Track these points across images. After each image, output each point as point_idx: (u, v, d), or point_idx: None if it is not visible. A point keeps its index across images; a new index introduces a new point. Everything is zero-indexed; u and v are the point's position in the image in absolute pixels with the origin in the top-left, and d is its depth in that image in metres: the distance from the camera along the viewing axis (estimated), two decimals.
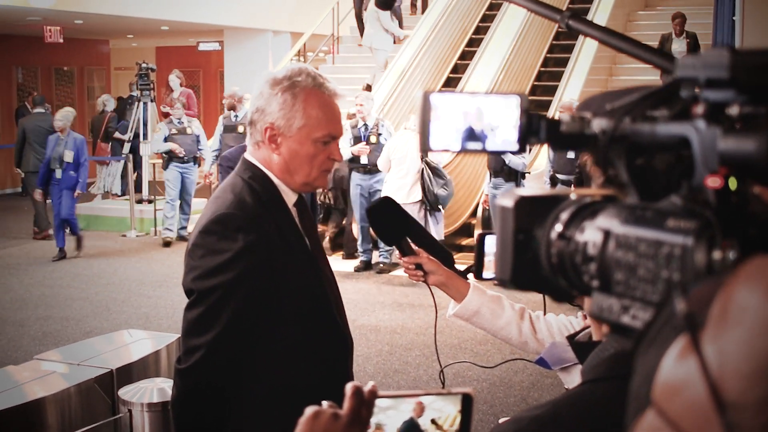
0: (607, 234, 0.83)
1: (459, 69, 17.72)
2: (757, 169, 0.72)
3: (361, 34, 18.27)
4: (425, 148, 0.89)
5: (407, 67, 16.83)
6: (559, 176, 11.47)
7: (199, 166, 14.63)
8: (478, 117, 0.89)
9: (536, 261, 0.92)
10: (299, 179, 2.80)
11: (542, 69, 17.98)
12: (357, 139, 12.01)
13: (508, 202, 0.93)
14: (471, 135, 0.89)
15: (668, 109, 0.83)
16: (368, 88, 15.44)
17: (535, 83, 17.54)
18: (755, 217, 0.74)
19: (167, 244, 14.11)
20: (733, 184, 0.75)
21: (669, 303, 0.71)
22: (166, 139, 14.25)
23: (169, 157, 14.29)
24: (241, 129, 13.14)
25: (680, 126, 0.79)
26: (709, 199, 0.76)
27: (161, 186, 14.74)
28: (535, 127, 0.89)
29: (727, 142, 0.75)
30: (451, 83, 17.43)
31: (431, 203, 11.52)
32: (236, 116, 13.67)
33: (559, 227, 0.90)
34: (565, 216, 0.90)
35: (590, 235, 0.85)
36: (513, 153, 0.94)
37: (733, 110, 0.76)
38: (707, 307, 0.68)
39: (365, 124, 12.05)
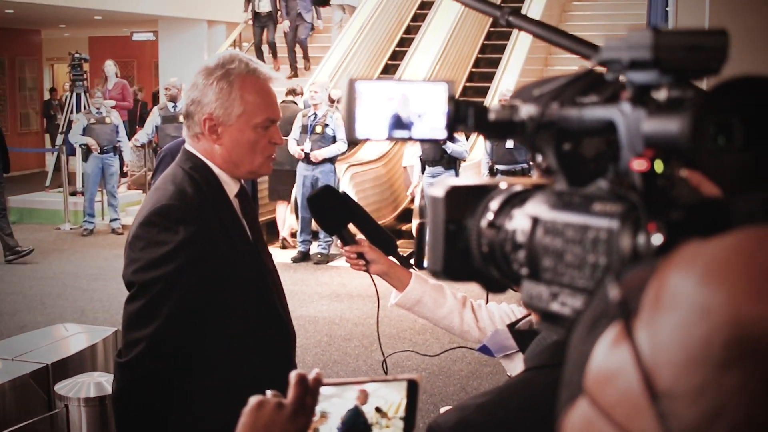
0: (535, 221, 0.82)
1: (390, 69, 17.77)
2: (680, 150, 0.72)
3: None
4: (350, 137, 0.88)
5: (342, 60, 16.83)
6: (499, 167, 11.52)
7: (121, 156, 14.44)
8: (404, 104, 0.88)
9: (468, 251, 0.91)
10: (244, 168, 2.79)
11: (476, 67, 18.05)
12: (304, 128, 11.97)
13: (439, 192, 0.92)
14: (398, 122, 0.88)
15: (598, 95, 0.83)
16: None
17: (473, 70, 17.64)
18: (682, 200, 0.74)
19: (87, 234, 14.10)
20: (659, 166, 0.74)
21: (600, 289, 0.71)
22: (84, 131, 14.06)
23: (88, 149, 14.13)
24: (182, 119, 13.00)
25: (606, 109, 0.78)
26: (635, 182, 0.75)
27: None
28: (462, 114, 0.88)
29: (651, 123, 0.74)
30: (389, 72, 17.50)
31: None
32: (175, 106, 13.53)
33: (489, 216, 0.89)
34: (495, 205, 0.89)
35: (519, 222, 0.85)
36: (442, 141, 0.93)
37: (661, 95, 0.76)
38: (641, 293, 0.67)
39: (315, 113, 12.01)
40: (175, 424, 2.75)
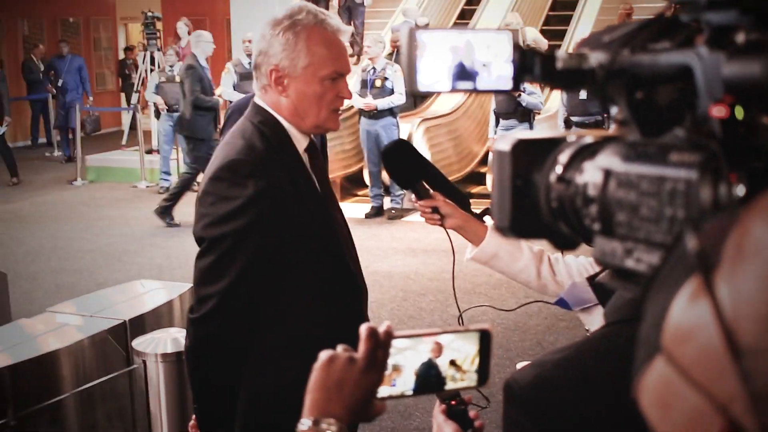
0: (607, 173, 0.78)
1: (466, 15, 17.64)
2: (764, 95, 0.67)
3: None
4: (412, 89, 0.84)
5: None
6: (574, 119, 11.28)
7: None
8: (468, 53, 0.84)
9: (536, 207, 0.87)
10: (309, 121, 2.75)
11: (550, 13, 17.86)
12: (364, 83, 11.88)
13: (505, 147, 0.88)
14: (462, 72, 0.84)
15: (670, 40, 0.78)
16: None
17: (544, 27, 17.46)
18: (764, 148, 0.69)
19: (163, 191, 14.15)
20: (739, 113, 0.70)
21: (679, 242, 0.67)
22: (156, 89, 14.12)
23: (158, 109, 14.21)
24: None
25: (682, 54, 0.74)
26: (714, 129, 0.71)
27: None
28: (529, 64, 0.84)
29: (731, 67, 0.69)
30: None
31: None
32: (250, 63, 13.47)
33: (558, 170, 0.85)
34: (564, 158, 0.85)
35: (590, 175, 0.81)
36: (517, 93, 0.89)
37: (740, 38, 0.71)
38: (721, 244, 0.63)
39: (373, 68, 11.92)
40: (247, 379, 2.76)
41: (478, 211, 2.81)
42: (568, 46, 14.99)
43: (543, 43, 14.94)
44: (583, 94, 11.16)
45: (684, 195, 0.70)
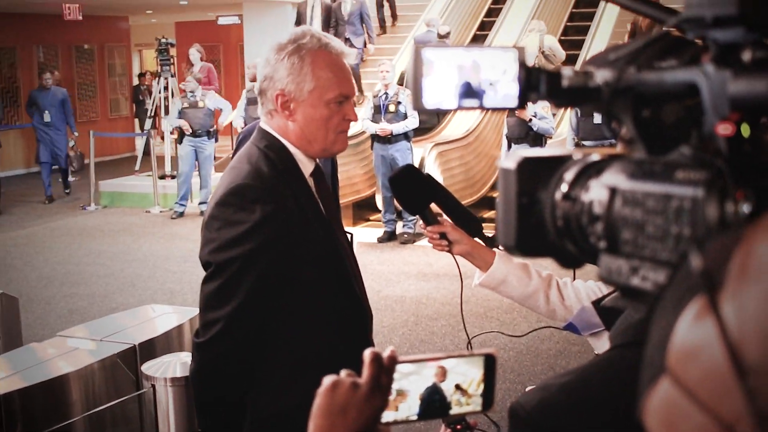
0: (613, 191, 0.78)
1: (478, 39, 17.75)
2: None
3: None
4: (417, 107, 0.84)
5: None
6: (586, 143, 11.25)
7: (216, 140, 14.53)
8: (474, 71, 0.83)
9: (541, 225, 0.87)
10: (318, 145, 2.76)
11: (568, 24, 17.99)
12: (377, 108, 11.91)
13: (510, 164, 0.87)
14: (468, 91, 0.84)
15: (676, 58, 0.78)
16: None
17: (562, 38, 17.55)
18: None
19: (177, 217, 14.29)
20: (746, 131, 0.70)
21: (684, 262, 0.66)
22: (179, 114, 14.19)
23: (182, 133, 14.26)
24: None
25: (688, 72, 0.74)
26: (720, 147, 0.70)
27: None
28: (534, 81, 0.84)
29: (737, 84, 0.69)
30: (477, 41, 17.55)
31: None
32: None
33: (564, 187, 0.85)
34: (569, 176, 0.85)
35: (596, 193, 0.80)
36: (513, 109, 0.88)
37: (746, 56, 0.71)
38: (726, 263, 0.62)
39: (386, 93, 11.94)
40: (252, 403, 2.76)
41: (490, 234, 2.80)
42: (587, 55, 15.07)
43: (560, 52, 15.00)
44: (597, 119, 11.18)
45: (690, 213, 0.70)
